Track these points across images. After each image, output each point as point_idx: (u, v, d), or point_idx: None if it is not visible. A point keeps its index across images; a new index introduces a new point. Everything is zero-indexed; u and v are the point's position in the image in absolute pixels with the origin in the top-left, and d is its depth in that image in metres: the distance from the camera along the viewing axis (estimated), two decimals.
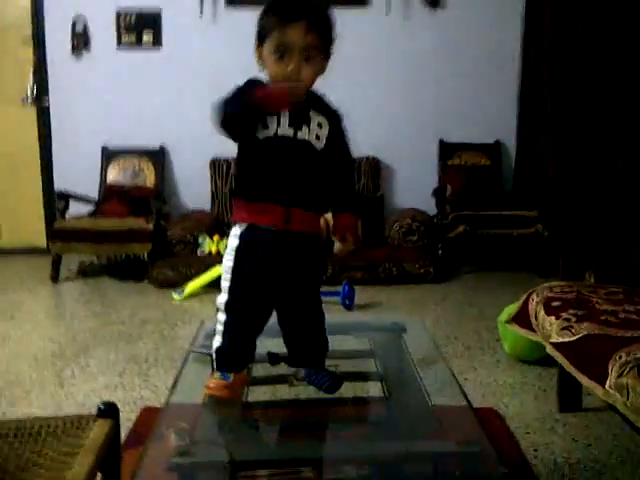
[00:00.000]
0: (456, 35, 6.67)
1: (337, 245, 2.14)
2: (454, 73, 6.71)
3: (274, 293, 2.10)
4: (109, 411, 1.96)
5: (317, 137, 2.04)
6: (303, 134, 2.01)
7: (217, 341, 2.10)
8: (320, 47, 1.99)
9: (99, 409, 1.95)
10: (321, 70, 2.03)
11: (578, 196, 5.47)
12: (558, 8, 5.83)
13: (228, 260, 2.07)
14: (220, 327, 2.09)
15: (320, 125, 2.05)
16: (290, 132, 2.00)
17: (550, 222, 5.84)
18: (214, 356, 2.11)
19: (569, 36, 5.61)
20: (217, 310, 2.10)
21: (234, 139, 2.04)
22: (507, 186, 6.68)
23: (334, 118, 2.10)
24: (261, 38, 2.01)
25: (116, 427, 1.95)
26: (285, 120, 1.98)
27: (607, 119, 5.02)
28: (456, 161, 6.69)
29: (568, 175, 5.65)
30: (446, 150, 6.73)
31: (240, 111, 1.95)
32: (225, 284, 2.07)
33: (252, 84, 1.99)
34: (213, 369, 2.14)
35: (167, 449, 1.96)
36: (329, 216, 2.16)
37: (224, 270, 2.08)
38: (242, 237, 2.05)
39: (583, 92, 5.40)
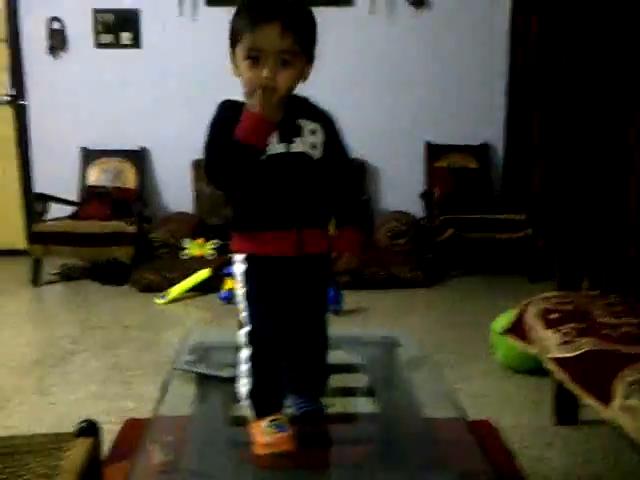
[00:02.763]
0: (442, 35, 6.61)
1: (343, 261, 2.01)
2: (440, 73, 6.66)
3: (291, 315, 1.96)
4: (89, 429, 1.88)
5: (313, 146, 1.89)
6: (297, 146, 1.87)
7: (246, 384, 1.93)
8: (298, 51, 1.81)
9: (79, 427, 1.87)
10: (302, 75, 1.87)
11: (569, 198, 5.39)
12: (546, 4, 5.75)
13: (240, 289, 1.93)
14: (246, 365, 1.92)
15: (313, 132, 1.90)
16: (282, 148, 1.85)
17: (540, 225, 5.78)
18: (249, 403, 1.93)
19: (558, 33, 5.54)
20: (239, 349, 1.94)
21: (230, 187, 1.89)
22: (495, 189, 6.62)
23: (326, 121, 1.95)
24: (233, 41, 1.85)
25: (96, 446, 1.87)
26: (274, 138, 1.83)
27: (599, 117, 4.94)
28: (443, 163, 6.61)
29: (558, 177, 5.58)
30: (433, 152, 6.66)
31: (232, 163, 1.79)
32: (244, 314, 1.92)
33: (227, 111, 1.86)
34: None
35: (151, 466, 1.88)
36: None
37: (239, 301, 1.94)
38: (249, 261, 1.91)
39: (573, 91, 5.32)
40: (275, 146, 1.84)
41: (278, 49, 1.77)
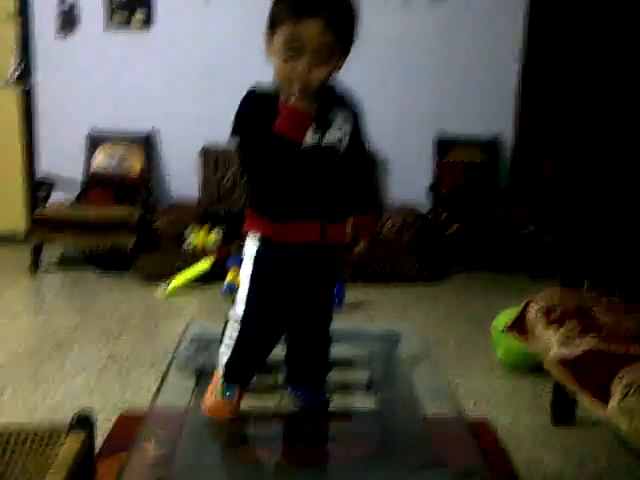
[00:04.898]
0: (455, 26, 6.52)
1: (360, 246, 2.02)
2: (452, 65, 6.58)
3: (293, 306, 1.97)
4: (83, 421, 1.85)
5: (339, 139, 1.88)
6: (327, 139, 1.85)
7: (226, 354, 1.98)
8: (337, 47, 1.77)
9: (72, 421, 1.84)
10: (336, 69, 1.83)
11: (576, 195, 5.36)
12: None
13: (247, 268, 1.93)
14: (231, 341, 1.96)
15: (342, 125, 1.89)
16: (317, 139, 1.83)
17: (545, 222, 5.74)
18: (222, 369, 2.00)
19: (573, 31, 5.49)
20: (227, 322, 1.99)
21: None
22: (503, 183, 6.55)
23: (353, 113, 1.95)
24: (272, 25, 1.77)
25: (90, 439, 1.84)
26: (309, 130, 1.80)
27: (609, 116, 4.91)
28: (452, 157, 6.54)
29: (566, 173, 5.54)
30: (442, 146, 6.58)
31: (272, 157, 1.77)
32: (242, 294, 1.93)
33: (257, 101, 1.82)
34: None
35: (146, 459, 1.87)
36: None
37: (242, 278, 1.94)
38: (265, 243, 1.90)
39: (585, 88, 5.29)
40: (311, 136, 1.82)
41: (318, 44, 1.72)
